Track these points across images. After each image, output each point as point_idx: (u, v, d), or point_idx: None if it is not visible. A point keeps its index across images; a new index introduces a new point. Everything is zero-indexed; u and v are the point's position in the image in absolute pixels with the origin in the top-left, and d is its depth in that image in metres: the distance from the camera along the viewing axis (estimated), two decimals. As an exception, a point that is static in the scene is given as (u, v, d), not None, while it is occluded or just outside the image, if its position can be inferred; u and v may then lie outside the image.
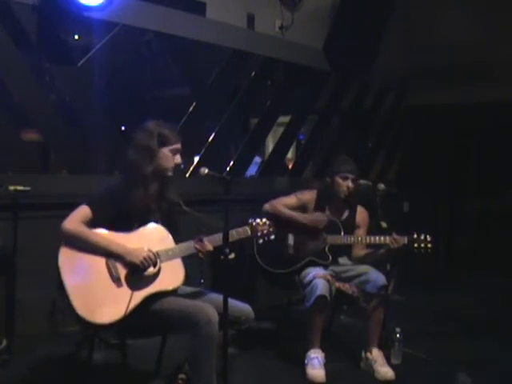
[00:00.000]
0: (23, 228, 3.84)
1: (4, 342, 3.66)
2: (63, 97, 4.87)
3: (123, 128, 5.65)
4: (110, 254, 2.79)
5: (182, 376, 3.14)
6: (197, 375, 2.77)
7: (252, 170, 6.79)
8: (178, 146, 2.99)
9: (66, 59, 4.61)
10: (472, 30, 6.88)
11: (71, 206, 2.84)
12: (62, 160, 4.81)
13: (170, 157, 2.96)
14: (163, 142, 2.94)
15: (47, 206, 4.15)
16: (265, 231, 3.08)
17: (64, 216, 2.82)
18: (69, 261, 2.75)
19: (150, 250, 2.84)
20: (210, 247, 2.95)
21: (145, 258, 2.79)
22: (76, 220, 2.79)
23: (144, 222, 2.93)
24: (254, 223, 3.06)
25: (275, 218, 3.91)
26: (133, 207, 2.89)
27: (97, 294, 2.73)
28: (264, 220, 3.10)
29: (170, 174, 2.98)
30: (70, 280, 2.70)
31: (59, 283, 2.71)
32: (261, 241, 3.10)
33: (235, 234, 3.00)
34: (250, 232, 3.04)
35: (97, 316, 2.68)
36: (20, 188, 3.84)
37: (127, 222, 2.89)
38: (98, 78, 4.76)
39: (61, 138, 4.59)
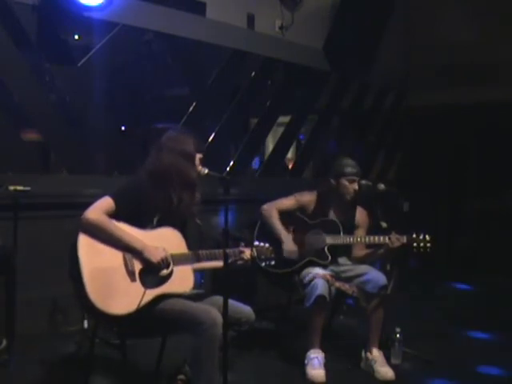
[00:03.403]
0: (23, 228, 3.84)
1: (4, 342, 3.66)
2: (63, 97, 4.86)
3: (123, 128, 5.64)
4: (130, 249, 2.81)
5: (181, 377, 3.15)
6: (198, 377, 2.76)
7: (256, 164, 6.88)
8: (202, 155, 3.07)
9: (66, 59, 4.61)
10: (472, 30, 6.89)
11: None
12: (61, 160, 4.80)
13: (198, 163, 3.03)
14: (196, 150, 3.04)
15: (47, 206, 4.15)
16: (268, 255, 3.19)
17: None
18: (88, 247, 2.76)
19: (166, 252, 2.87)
20: (248, 254, 3.08)
21: (162, 259, 2.83)
22: (99, 210, 2.80)
23: (161, 224, 2.96)
24: (258, 247, 3.17)
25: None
26: (155, 208, 2.92)
27: (111, 284, 2.74)
28: (267, 246, 3.20)
29: (196, 181, 3.05)
30: (87, 265, 2.71)
31: (71, 270, 2.71)
32: (263, 264, 3.22)
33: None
34: (255, 253, 3.14)
35: (108, 305, 2.69)
36: (20, 188, 3.84)
37: (146, 220, 2.92)
38: (98, 78, 4.76)
39: (61, 138, 4.59)
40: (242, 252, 3.07)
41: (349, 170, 3.94)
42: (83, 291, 2.67)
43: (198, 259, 3.00)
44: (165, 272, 2.86)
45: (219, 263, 2.94)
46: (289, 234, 3.90)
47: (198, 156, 3.05)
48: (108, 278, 2.75)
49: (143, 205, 2.90)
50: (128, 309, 2.72)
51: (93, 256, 2.75)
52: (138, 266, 2.83)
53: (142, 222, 2.91)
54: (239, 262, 3.04)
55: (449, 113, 7.30)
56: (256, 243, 3.20)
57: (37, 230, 4.07)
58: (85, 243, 2.76)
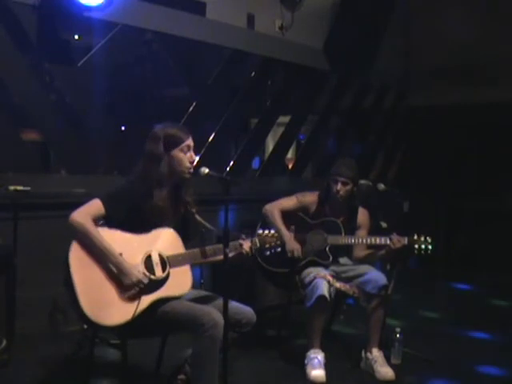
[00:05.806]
0: (23, 228, 3.84)
1: (4, 342, 3.65)
2: (63, 97, 4.87)
3: (123, 128, 5.65)
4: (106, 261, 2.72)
5: (181, 377, 3.14)
6: (199, 377, 2.75)
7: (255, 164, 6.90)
8: (188, 142, 2.95)
9: (66, 59, 4.62)
10: (472, 29, 6.89)
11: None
12: (61, 160, 4.81)
13: (182, 157, 2.92)
14: (172, 144, 2.90)
15: (47, 206, 4.15)
16: (272, 243, 3.10)
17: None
18: (80, 257, 2.68)
19: (144, 271, 2.77)
20: (247, 246, 2.99)
21: (134, 283, 2.71)
22: (86, 213, 2.71)
23: (158, 226, 2.88)
24: (263, 234, 3.09)
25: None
26: (147, 210, 2.85)
27: (105, 294, 2.68)
28: (272, 232, 3.12)
29: (187, 175, 2.96)
30: (78, 277, 2.64)
31: (66, 278, 2.65)
32: (268, 253, 3.12)
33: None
34: (258, 243, 3.06)
35: (103, 317, 2.64)
36: (20, 188, 3.84)
37: (141, 223, 2.83)
38: (98, 78, 4.77)
39: (61, 137, 4.60)
40: (241, 245, 2.98)
41: (334, 170, 3.90)
42: (77, 304, 2.61)
43: (205, 256, 2.97)
44: (160, 275, 2.79)
45: (220, 257, 2.90)
46: (290, 234, 3.88)
47: (179, 148, 2.90)
48: (102, 288, 2.68)
49: (136, 207, 2.82)
50: (124, 318, 2.67)
51: (85, 265, 2.67)
52: None
53: (138, 226, 2.82)
54: (232, 254, 2.91)
55: (449, 113, 7.31)
56: (260, 231, 3.10)
57: (37, 229, 4.07)
58: (76, 251, 2.68)
